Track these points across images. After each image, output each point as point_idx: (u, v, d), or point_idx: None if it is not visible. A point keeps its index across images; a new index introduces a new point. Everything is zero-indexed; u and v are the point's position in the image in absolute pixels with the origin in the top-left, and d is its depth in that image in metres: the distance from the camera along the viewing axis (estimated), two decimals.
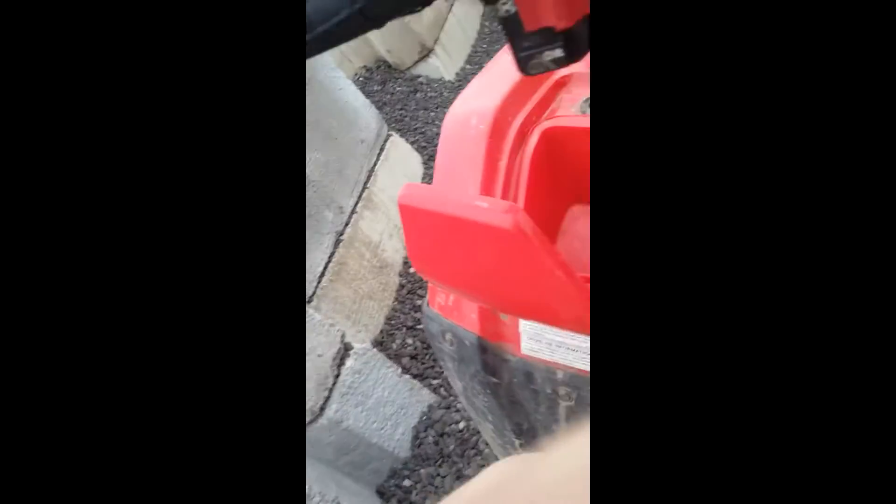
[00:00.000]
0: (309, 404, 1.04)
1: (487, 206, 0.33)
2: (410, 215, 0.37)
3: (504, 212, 0.33)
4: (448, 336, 0.58)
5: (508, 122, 0.51)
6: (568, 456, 0.22)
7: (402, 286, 1.55)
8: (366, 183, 1.52)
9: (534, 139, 0.50)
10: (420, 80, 2.20)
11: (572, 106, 0.51)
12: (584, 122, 0.49)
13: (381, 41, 2.15)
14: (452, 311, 0.57)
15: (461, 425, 1.25)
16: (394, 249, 1.55)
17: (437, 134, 0.94)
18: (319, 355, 1.08)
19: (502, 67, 0.53)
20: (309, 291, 1.27)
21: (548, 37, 0.34)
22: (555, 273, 0.34)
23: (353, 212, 1.45)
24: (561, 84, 0.54)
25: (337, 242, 1.38)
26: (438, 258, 0.39)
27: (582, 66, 0.53)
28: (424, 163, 1.82)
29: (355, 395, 1.14)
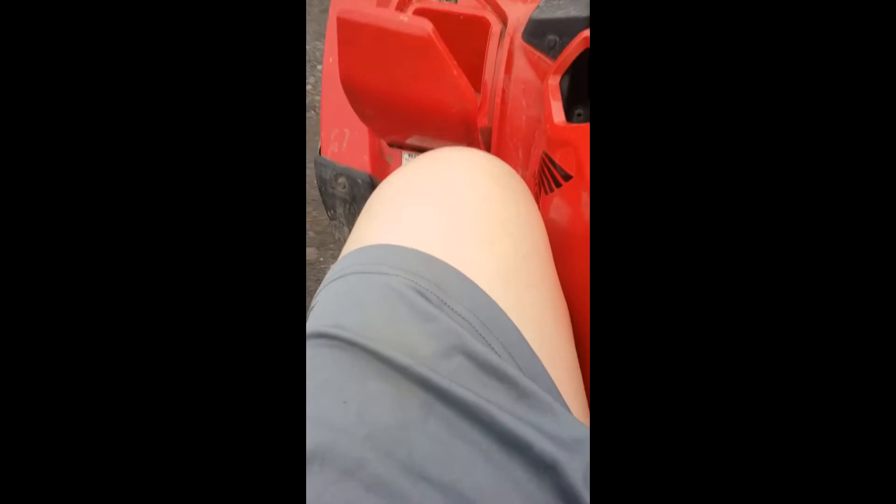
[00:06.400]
0: None
1: (408, 20, 0.47)
2: (348, 29, 0.49)
3: (422, 24, 0.47)
4: (341, 179, 0.70)
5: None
6: None
7: None
8: None
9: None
10: None
11: None
12: (444, 6, 0.66)
13: None
14: (345, 157, 0.69)
15: None
16: None
17: None
18: None
19: None
20: None
21: None
22: (454, 75, 0.50)
23: None
24: None
25: None
26: (367, 69, 0.52)
27: None
28: None
29: None
